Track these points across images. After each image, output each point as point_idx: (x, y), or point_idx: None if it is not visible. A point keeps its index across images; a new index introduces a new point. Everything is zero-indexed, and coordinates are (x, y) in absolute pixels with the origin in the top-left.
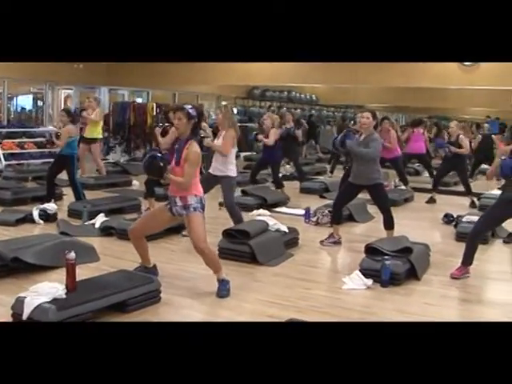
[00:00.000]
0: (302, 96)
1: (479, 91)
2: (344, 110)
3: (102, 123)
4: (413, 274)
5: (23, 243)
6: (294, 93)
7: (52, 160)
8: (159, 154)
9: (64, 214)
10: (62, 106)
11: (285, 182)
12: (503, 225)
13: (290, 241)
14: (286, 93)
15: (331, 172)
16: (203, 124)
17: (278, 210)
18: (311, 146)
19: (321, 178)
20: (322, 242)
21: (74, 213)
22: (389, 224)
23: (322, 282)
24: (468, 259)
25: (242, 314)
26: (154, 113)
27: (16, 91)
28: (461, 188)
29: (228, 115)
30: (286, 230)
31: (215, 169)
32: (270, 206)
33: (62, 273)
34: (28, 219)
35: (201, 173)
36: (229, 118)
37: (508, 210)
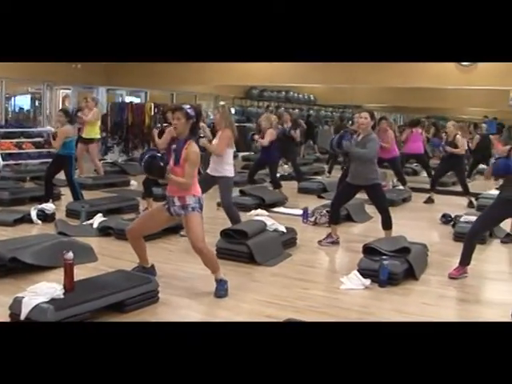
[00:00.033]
0: (300, 96)
1: (477, 91)
2: (342, 110)
3: (99, 123)
4: (411, 274)
5: (21, 243)
6: (292, 93)
7: (50, 160)
8: (159, 154)
9: (62, 214)
10: (60, 106)
11: (283, 182)
12: (501, 225)
13: (288, 241)
14: (284, 93)
15: (329, 172)
16: (201, 124)
17: (276, 210)
18: (309, 146)
19: (319, 178)
20: (320, 241)
21: (72, 213)
22: (387, 224)
23: (320, 282)
24: (466, 259)
25: (240, 314)
26: (152, 113)
27: (14, 91)
28: (459, 188)
29: (225, 115)
30: (284, 230)
31: (212, 169)
32: (268, 206)
33: (59, 273)
34: (26, 219)
35: (199, 173)
36: (226, 118)
37: (506, 210)
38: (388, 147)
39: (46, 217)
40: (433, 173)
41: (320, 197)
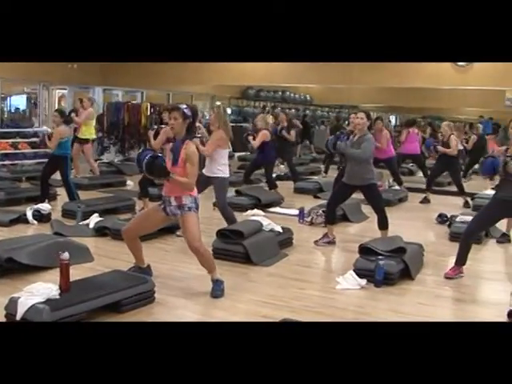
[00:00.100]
0: (297, 96)
1: (473, 91)
2: (338, 110)
3: (94, 123)
4: (407, 274)
5: (17, 244)
6: (288, 93)
7: (46, 160)
8: (159, 154)
9: (58, 214)
10: (56, 106)
11: (279, 182)
12: (497, 225)
13: (284, 241)
14: (280, 93)
15: (325, 172)
16: (197, 124)
17: (272, 210)
18: (305, 146)
19: (315, 178)
20: (316, 242)
21: (68, 213)
22: (383, 224)
23: (315, 282)
24: (462, 259)
25: (236, 314)
26: (148, 113)
27: (10, 91)
28: (455, 188)
29: (220, 116)
30: (280, 230)
31: (207, 169)
32: (264, 206)
33: (55, 273)
34: (22, 219)
35: None
36: (220, 119)
37: (502, 210)
38: (381, 147)
39: (41, 217)
40: (429, 173)
41: (316, 197)
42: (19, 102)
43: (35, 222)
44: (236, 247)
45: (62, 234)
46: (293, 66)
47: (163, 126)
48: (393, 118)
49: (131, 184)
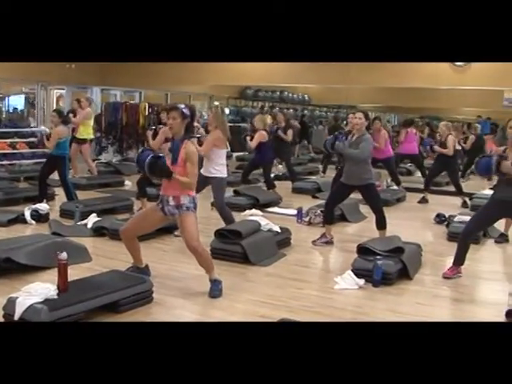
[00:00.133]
0: (295, 96)
1: (471, 91)
2: (336, 110)
3: (92, 123)
4: (405, 274)
5: (15, 244)
6: (286, 93)
7: (44, 160)
8: (161, 155)
9: (56, 214)
10: (54, 106)
11: (277, 182)
12: (495, 225)
13: (283, 241)
14: (278, 93)
15: (323, 172)
16: (195, 124)
17: (270, 210)
18: (304, 146)
19: (313, 177)
20: (314, 241)
21: (66, 213)
22: (381, 224)
23: (314, 282)
24: (460, 259)
25: (234, 314)
26: (147, 113)
27: (8, 91)
28: (453, 188)
29: (217, 116)
30: (279, 230)
31: (205, 169)
32: (262, 206)
33: (53, 273)
34: (20, 219)
35: None
36: (217, 119)
37: (500, 210)
38: (379, 147)
39: (39, 217)
40: (427, 173)
41: (314, 197)
42: (17, 102)
43: (33, 221)
44: (234, 247)
45: (60, 234)
46: (291, 66)
47: (161, 126)
48: (391, 118)
49: (129, 184)
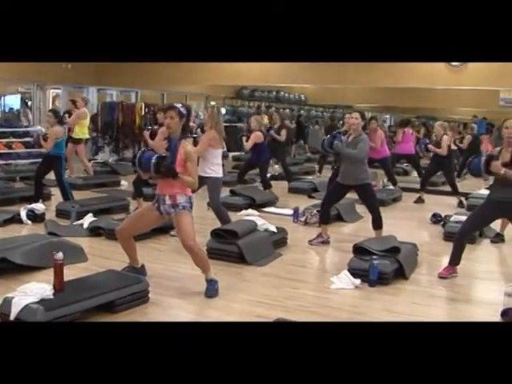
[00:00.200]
0: (291, 96)
1: (467, 91)
2: (333, 110)
3: (88, 123)
4: (401, 274)
5: (11, 244)
6: (282, 93)
7: (40, 160)
8: (165, 155)
9: (52, 214)
10: (50, 106)
11: (273, 182)
12: (491, 224)
13: (279, 241)
14: (274, 93)
15: (319, 172)
16: (191, 124)
17: (266, 209)
18: (300, 146)
19: (309, 177)
20: (310, 241)
21: (62, 213)
22: (377, 224)
23: (310, 282)
24: (455, 259)
25: (231, 313)
26: (143, 113)
27: (3, 91)
28: (449, 188)
29: (212, 116)
30: (275, 230)
31: (200, 169)
32: (258, 206)
33: (49, 273)
34: (16, 219)
35: None
36: (212, 119)
37: (496, 211)
38: (376, 147)
39: (35, 217)
40: (423, 173)
41: (311, 197)
42: (13, 101)
43: (29, 221)
44: (230, 247)
45: (56, 234)
46: (287, 66)
47: (156, 126)
48: (388, 118)
49: (125, 184)
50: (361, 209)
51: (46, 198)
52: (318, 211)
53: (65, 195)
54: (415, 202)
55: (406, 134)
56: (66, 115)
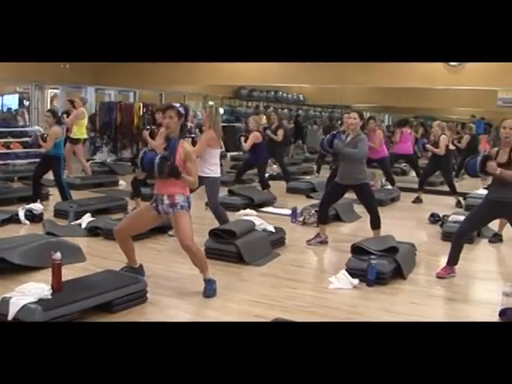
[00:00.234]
0: (289, 96)
1: (465, 91)
2: (331, 110)
3: (86, 123)
4: (399, 274)
5: (9, 243)
6: (280, 93)
7: (38, 160)
8: (166, 155)
9: (50, 214)
10: (49, 106)
11: (272, 182)
12: (489, 224)
13: (277, 240)
14: (273, 93)
15: (317, 172)
16: (189, 124)
17: (264, 209)
18: (298, 146)
19: (307, 177)
20: (308, 241)
21: (60, 213)
22: (375, 223)
23: (308, 282)
24: (453, 259)
25: (229, 313)
26: (141, 113)
27: (2, 91)
28: (447, 188)
29: (211, 116)
30: (273, 230)
31: (199, 169)
32: (256, 206)
33: (47, 273)
34: (14, 219)
35: None
36: (210, 119)
37: (494, 211)
38: (375, 147)
39: (33, 217)
40: (421, 172)
41: (309, 196)
42: (11, 101)
43: (27, 221)
44: (228, 247)
45: (54, 234)
46: (285, 66)
47: (154, 126)
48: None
49: (123, 184)
50: (359, 209)
51: (44, 197)
52: (316, 211)
53: (63, 195)
54: (413, 201)
55: (405, 134)
56: (65, 115)
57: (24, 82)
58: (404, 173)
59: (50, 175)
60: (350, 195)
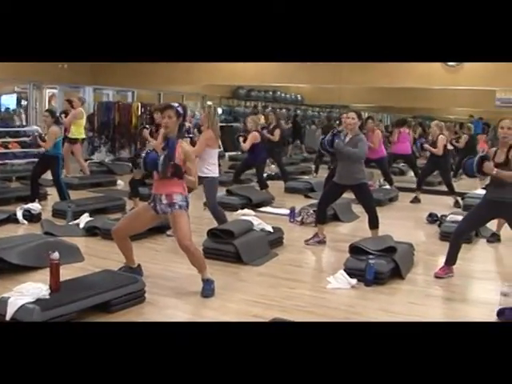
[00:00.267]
0: (288, 96)
1: (463, 91)
2: (329, 109)
3: (84, 123)
4: (397, 274)
5: (7, 243)
6: (279, 93)
7: (36, 160)
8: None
9: (48, 213)
10: (47, 106)
11: (270, 182)
12: (487, 224)
13: (275, 240)
14: (271, 93)
15: (316, 172)
16: (187, 124)
17: (262, 209)
18: (296, 146)
19: (306, 177)
20: (306, 241)
21: (58, 213)
22: (373, 223)
23: (306, 282)
24: (451, 259)
25: (227, 313)
26: (139, 113)
27: (0, 90)
28: (445, 188)
29: (209, 116)
30: (271, 230)
31: (197, 169)
32: (254, 206)
33: (45, 273)
34: (12, 219)
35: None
36: (209, 119)
37: (492, 211)
38: (373, 147)
39: (32, 217)
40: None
41: (307, 196)
42: (9, 101)
43: (25, 221)
44: (227, 247)
45: (53, 234)
46: (283, 65)
47: (153, 126)
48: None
49: (121, 184)
50: (357, 208)
51: (43, 197)
52: (314, 211)
53: (61, 195)
54: (411, 201)
55: (403, 134)
56: (63, 115)
57: (22, 82)
58: (402, 173)
59: (48, 175)
60: (348, 195)
